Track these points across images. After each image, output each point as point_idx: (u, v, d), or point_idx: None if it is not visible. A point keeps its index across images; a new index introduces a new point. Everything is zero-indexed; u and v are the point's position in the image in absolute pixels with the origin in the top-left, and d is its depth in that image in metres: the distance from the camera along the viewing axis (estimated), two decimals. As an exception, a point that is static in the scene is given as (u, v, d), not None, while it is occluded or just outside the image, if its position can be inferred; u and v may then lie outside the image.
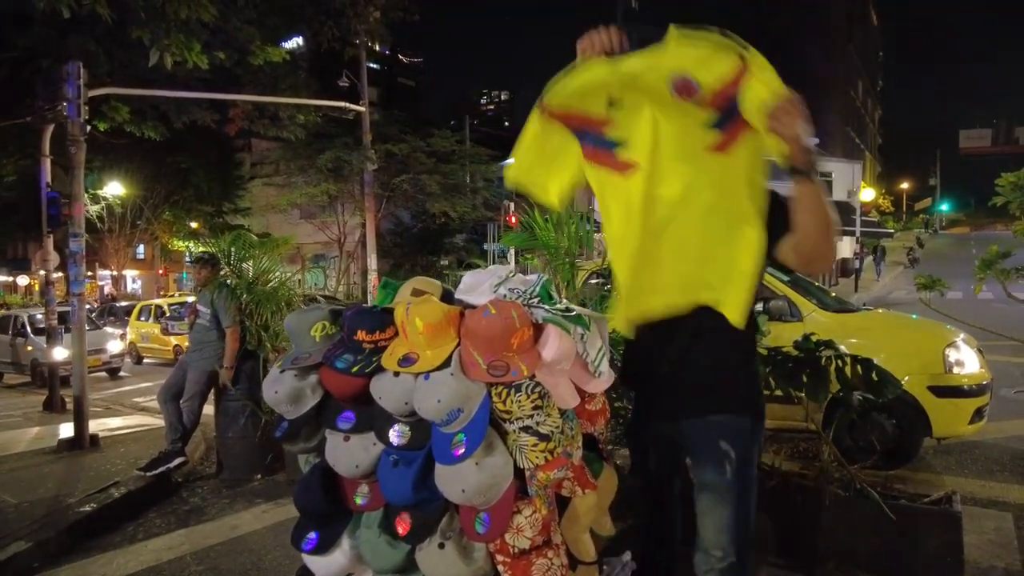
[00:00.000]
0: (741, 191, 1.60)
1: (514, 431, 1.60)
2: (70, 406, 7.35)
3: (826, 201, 1.53)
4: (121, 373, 12.64)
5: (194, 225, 24.03)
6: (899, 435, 4.22)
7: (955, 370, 4.25)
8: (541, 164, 1.77)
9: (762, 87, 1.46)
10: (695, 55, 1.50)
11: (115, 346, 12.45)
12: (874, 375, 2.72)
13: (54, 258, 8.24)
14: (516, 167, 1.79)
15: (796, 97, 1.43)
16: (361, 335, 1.75)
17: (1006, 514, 3.50)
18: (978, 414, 4.25)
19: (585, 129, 1.68)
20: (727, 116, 1.54)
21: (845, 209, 29.48)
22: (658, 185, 1.63)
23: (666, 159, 1.61)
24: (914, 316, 5.37)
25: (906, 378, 4.06)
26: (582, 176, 1.76)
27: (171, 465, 4.59)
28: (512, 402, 1.57)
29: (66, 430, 5.93)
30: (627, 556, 2.14)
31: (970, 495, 3.76)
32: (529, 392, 1.57)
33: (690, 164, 1.60)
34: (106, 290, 27.71)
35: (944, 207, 57.36)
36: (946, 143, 62.42)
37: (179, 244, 25.45)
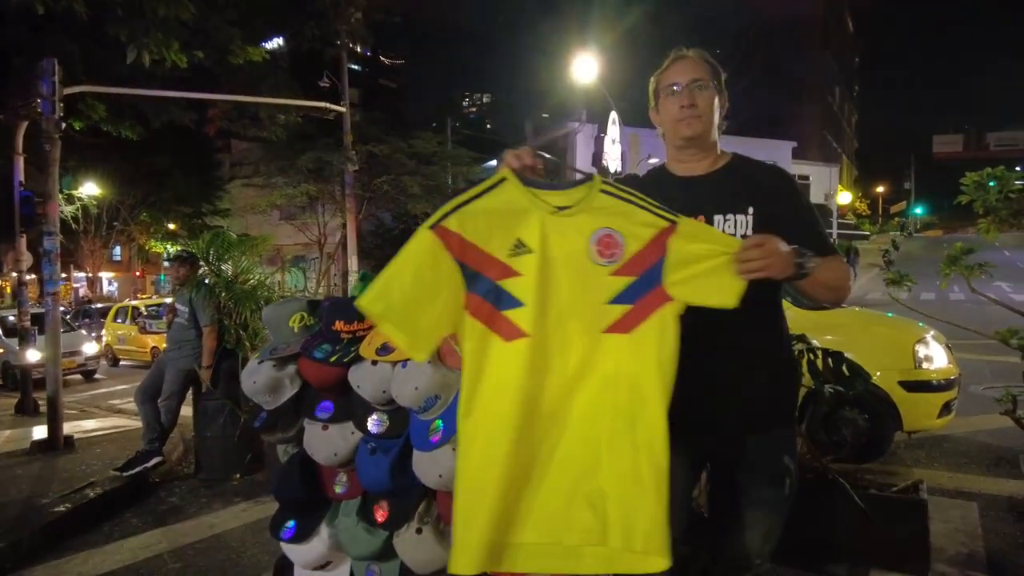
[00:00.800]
0: (643, 381, 1.30)
1: (490, 417, 1.62)
2: (43, 409, 7.23)
3: (830, 276, 1.51)
4: (96, 376, 12.45)
5: (172, 226, 23.74)
6: (871, 429, 4.31)
7: (924, 365, 4.36)
8: (418, 300, 1.30)
9: (696, 246, 1.34)
10: (623, 208, 1.36)
11: (90, 348, 12.26)
12: (844, 368, 2.79)
13: (27, 258, 8.11)
14: (378, 297, 1.30)
15: (759, 238, 1.35)
16: (339, 325, 1.77)
17: (972, 504, 3.60)
18: (946, 408, 4.36)
19: (478, 271, 1.31)
20: (644, 285, 1.33)
21: (822, 212, 29.98)
22: (545, 366, 1.30)
23: (561, 334, 1.31)
24: (889, 314, 5.49)
25: (877, 373, 4.17)
26: (456, 325, 1.33)
27: (148, 465, 4.55)
28: (488, 389, 1.60)
29: (39, 432, 5.84)
30: None
31: (939, 486, 3.86)
32: (505, 379, 1.60)
33: (584, 345, 1.31)
34: (81, 292, 27.26)
35: (918, 210, 58.58)
36: (920, 148, 63.72)
37: (157, 246, 25.11)
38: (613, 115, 19.65)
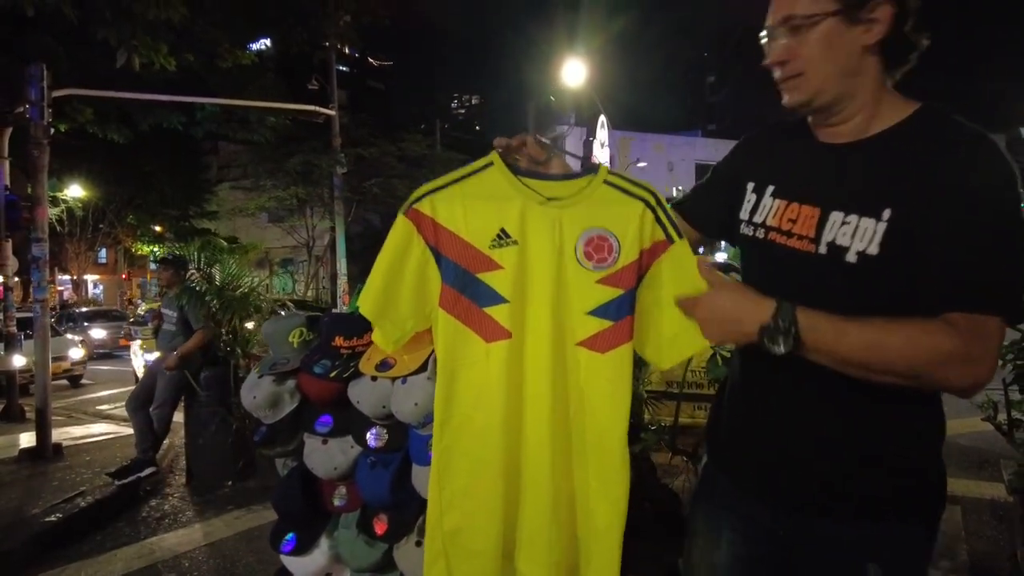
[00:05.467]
0: (606, 411, 1.18)
1: (488, 432, 1.66)
2: (30, 415, 7.18)
3: (870, 355, 0.97)
4: (83, 381, 12.34)
5: (158, 229, 23.55)
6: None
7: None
8: (389, 289, 1.22)
9: (680, 274, 1.17)
10: (627, 207, 1.19)
11: (76, 353, 12.16)
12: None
13: (13, 263, 8.05)
14: (364, 295, 1.25)
15: (696, 298, 1.11)
16: (339, 341, 1.79)
17: (955, 507, 3.68)
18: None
19: (455, 261, 1.20)
20: (631, 302, 1.18)
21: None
22: (522, 373, 1.19)
23: (537, 338, 1.18)
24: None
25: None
26: (428, 320, 1.24)
27: (142, 475, 4.55)
28: (486, 404, 1.63)
29: (27, 440, 5.80)
30: None
31: (922, 489, 3.94)
32: (503, 394, 1.63)
33: (555, 355, 1.18)
34: (65, 295, 26.97)
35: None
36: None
37: (143, 248, 24.90)
38: (602, 119, 19.77)
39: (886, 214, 1.01)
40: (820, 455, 1.09)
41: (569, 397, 1.19)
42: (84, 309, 19.76)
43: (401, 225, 1.21)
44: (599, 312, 1.18)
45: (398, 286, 1.21)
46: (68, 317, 17.95)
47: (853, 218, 1.03)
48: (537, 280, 1.18)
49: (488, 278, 1.18)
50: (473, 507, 1.20)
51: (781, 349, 0.99)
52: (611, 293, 1.18)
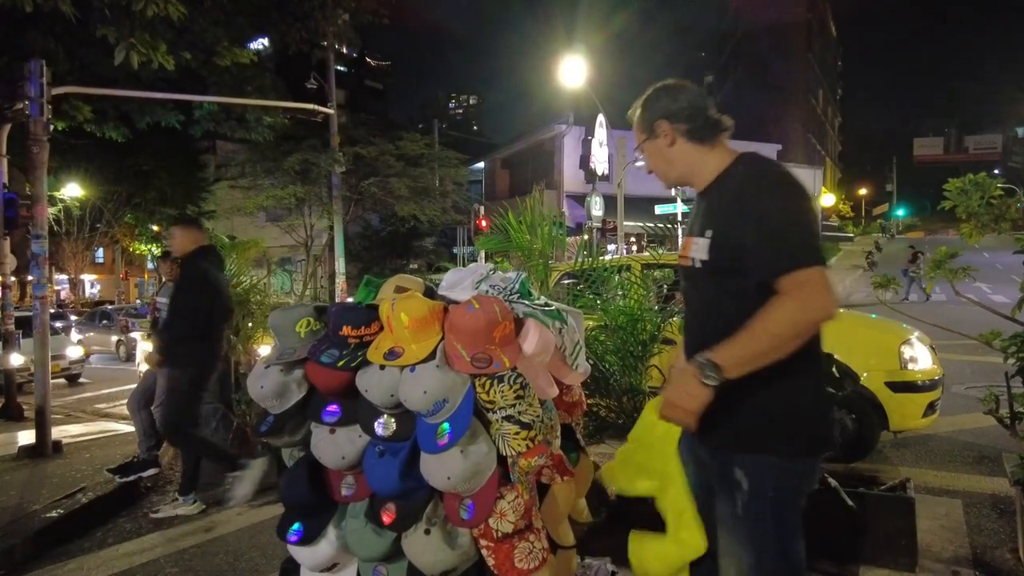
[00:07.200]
0: None
1: (497, 420, 1.66)
2: (28, 413, 7.16)
3: (763, 344, 1.43)
4: (80, 380, 12.32)
5: (156, 228, 23.48)
6: (858, 429, 4.39)
7: (910, 366, 4.45)
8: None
9: None
10: None
11: (74, 352, 12.15)
12: (834, 369, 2.86)
13: (11, 261, 8.02)
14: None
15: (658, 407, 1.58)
16: (346, 330, 1.79)
17: (956, 501, 3.69)
18: (931, 408, 4.45)
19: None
20: None
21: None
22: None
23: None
24: (872, 316, 5.60)
25: (864, 374, 4.25)
26: None
27: (144, 475, 4.52)
28: (495, 392, 1.64)
29: (26, 437, 5.78)
30: (608, 563, 2.23)
31: (924, 484, 3.95)
32: (511, 383, 1.64)
33: None
34: (62, 295, 26.91)
35: (900, 212, 59.58)
36: (901, 150, 64.60)
37: (141, 248, 24.82)
38: (600, 118, 19.76)
39: (708, 234, 1.57)
40: (721, 413, 1.51)
41: None
42: (111, 307, 20.10)
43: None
44: None
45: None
46: (103, 315, 18.12)
47: (698, 239, 1.61)
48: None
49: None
50: None
51: (716, 385, 1.44)
52: None
